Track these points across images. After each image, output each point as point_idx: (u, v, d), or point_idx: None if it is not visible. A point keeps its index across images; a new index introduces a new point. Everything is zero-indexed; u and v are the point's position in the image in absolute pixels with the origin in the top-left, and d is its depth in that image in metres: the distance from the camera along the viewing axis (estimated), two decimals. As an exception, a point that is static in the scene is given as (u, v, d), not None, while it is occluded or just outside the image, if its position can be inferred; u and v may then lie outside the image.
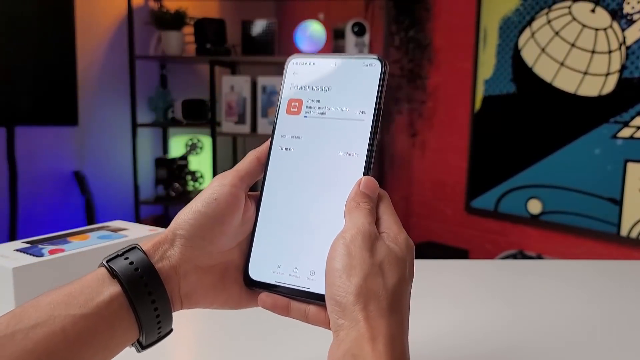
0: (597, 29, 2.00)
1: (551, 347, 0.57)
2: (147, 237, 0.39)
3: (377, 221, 0.38)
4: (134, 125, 2.58)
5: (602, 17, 1.99)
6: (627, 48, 1.94)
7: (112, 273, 0.36)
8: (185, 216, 0.38)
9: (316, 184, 0.41)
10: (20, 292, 0.57)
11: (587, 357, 0.56)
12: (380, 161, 2.67)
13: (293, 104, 0.43)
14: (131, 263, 0.36)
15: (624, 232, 1.98)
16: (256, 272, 0.40)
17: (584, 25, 2.02)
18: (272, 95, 2.53)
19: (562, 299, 0.71)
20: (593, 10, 1.99)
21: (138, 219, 2.59)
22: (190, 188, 2.72)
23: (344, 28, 2.53)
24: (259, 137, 2.60)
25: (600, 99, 2.02)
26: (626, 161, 1.96)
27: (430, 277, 0.78)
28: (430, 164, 2.64)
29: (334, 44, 2.65)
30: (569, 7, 2.05)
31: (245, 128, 2.57)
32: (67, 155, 2.37)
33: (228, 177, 0.40)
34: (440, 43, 2.55)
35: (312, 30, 2.55)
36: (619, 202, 1.98)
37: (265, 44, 2.65)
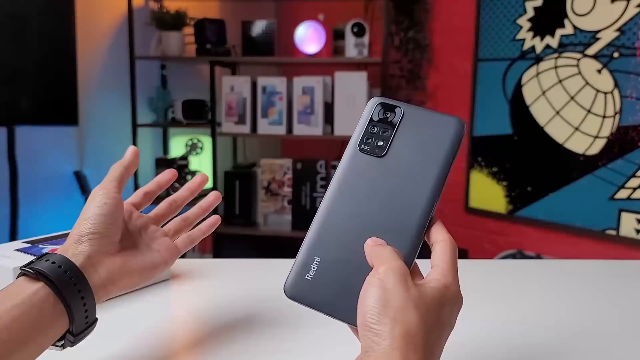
0: (598, 91, 2.01)
1: (551, 346, 0.57)
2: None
3: (432, 267, 0.39)
4: (134, 126, 2.58)
5: (606, 80, 2.00)
6: (621, 117, 1.96)
7: (33, 274, 0.39)
8: (84, 222, 0.44)
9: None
10: (20, 291, 0.57)
11: (587, 356, 0.56)
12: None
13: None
14: (48, 261, 0.40)
15: (623, 232, 1.99)
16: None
17: (587, 82, 2.03)
18: (272, 96, 2.53)
19: (562, 299, 0.71)
20: (599, 71, 2.00)
21: (138, 219, 2.59)
22: (190, 188, 2.72)
23: (344, 28, 2.54)
24: (259, 137, 2.60)
25: (584, 157, 2.06)
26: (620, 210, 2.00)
27: (430, 277, 0.78)
28: (430, 164, 2.63)
29: (334, 44, 2.65)
30: (578, 60, 2.05)
31: (245, 128, 2.57)
32: (67, 155, 2.37)
33: (108, 186, 0.49)
34: (440, 43, 2.55)
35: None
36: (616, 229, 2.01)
37: (265, 44, 2.65)
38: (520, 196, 2.28)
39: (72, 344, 0.40)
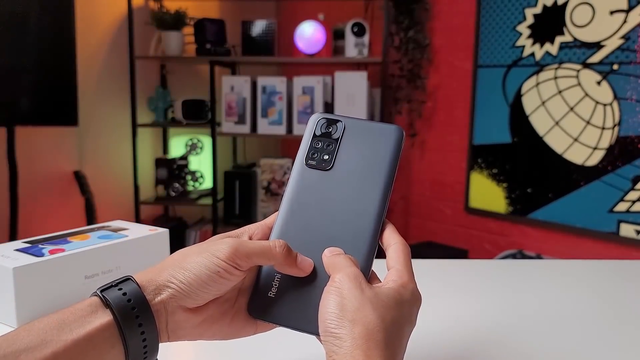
0: (597, 102, 2.01)
1: (551, 346, 0.57)
2: (142, 271, 0.40)
3: (388, 270, 0.40)
4: (134, 125, 2.58)
5: (605, 92, 2.00)
6: (620, 129, 1.97)
7: (105, 302, 0.36)
8: (182, 272, 0.38)
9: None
10: (20, 291, 0.57)
11: (587, 356, 0.56)
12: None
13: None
14: (125, 294, 0.37)
15: (623, 228, 1.99)
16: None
17: (586, 94, 2.04)
18: (272, 96, 2.53)
19: (562, 299, 0.71)
20: (599, 83, 2.00)
21: (138, 219, 2.59)
22: (190, 188, 2.72)
23: (344, 28, 2.53)
24: (258, 137, 2.60)
25: (583, 168, 2.07)
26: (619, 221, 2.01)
27: (430, 277, 0.78)
28: (429, 164, 2.64)
29: (334, 44, 2.65)
30: (578, 72, 2.06)
31: (245, 128, 2.57)
32: (67, 155, 2.37)
33: (239, 257, 0.39)
34: (440, 43, 2.55)
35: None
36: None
37: (265, 44, 2.65)
38: (520, 198, 2.28)
39: None
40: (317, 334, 0.39)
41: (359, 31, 2.50)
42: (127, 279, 0.38)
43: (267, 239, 0.43)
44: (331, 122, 0.45)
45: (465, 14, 2.42)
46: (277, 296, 0.41)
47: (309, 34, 2.57)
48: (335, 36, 2.63)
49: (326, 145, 0.44)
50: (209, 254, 0.39)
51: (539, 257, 2.22)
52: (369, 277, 0.41)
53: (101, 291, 0.37)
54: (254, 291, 0.42)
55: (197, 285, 0.38)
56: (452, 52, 2.51)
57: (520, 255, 2.26)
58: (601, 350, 0.57)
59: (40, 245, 0.62)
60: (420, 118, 2.63)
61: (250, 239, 0.43)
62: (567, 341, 0.59)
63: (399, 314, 0.37)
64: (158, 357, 0.39)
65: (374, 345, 0.34)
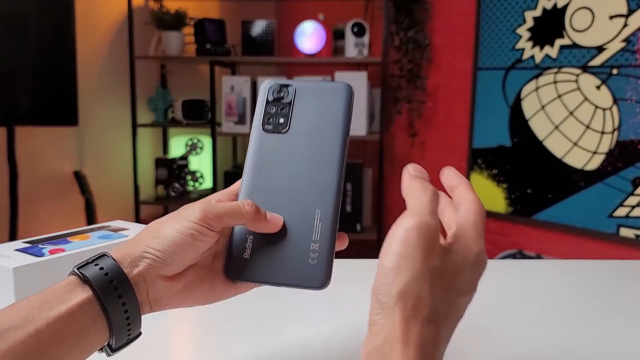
0: (596, 107, 2.02)
1: (551, 346, 0.57)
2: (116, 246, 0.41)
3: (457, 224, 0.37)
4: (134, 125, 2.58)
5: (605, 97, 2.00)
6: (619, 134, 1.97)
7: (84, 279, 0.37)
8: (157, 241, 0.39)
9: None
10: (20, 292, 0.57)
11: (587, 356, 0.56)
12: (380, 161, 2.67)
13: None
14: (101, 269, 0.37)
15: (623, 232, 1.99)
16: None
17: (586, 98, 2.04)
18: (272, 96, 2.53)
19: (562, 299, 0.71)
20: (598, 87, 2.00)
21: (138, 219, 2.59)
22: (190, 188, 2.72)
23: (344, 28, 2.54)
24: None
25: (583, 172, 2.07)
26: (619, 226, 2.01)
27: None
28: (430, 164, 2.64)
29: (334, 44, 2.65)
30: (577, 76, 2.06)
31: (245, 128, 2.57)
32: (67, 155, 2.37)
33: (211, 217, 0.40)
34: (440, 43, 2.55)
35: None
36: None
37: (265, 44, 2.65)
38: (520, 199, 2.28)
39: (109, 355, 0.39)
40: (293, 285, 0.40)
41: (359, 31, 2.50)
42: (102, 255, 0.39)
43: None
44: (282, 87, 0.46)
45: (465, 14, 2.42)
46: (251, 256, 0.42)
47: (309, 34, 2.57)
48: (335, 36, 2.64)
49: (280, 109, 0.46)
50: (181, 219, 0.40)
51: (539, 257, 2.22)
52: (337, 227, 0.42)
53: (78, 269, 0.38)
54: (228, 254, 0.43)
55: (173, 251, 0.39)
56: (452, 52, 2.51)
57: (520, 255, 2.26)
58: (601, 350, 0.57)
59: (40, 245, 0.62)
60: (420, 118, 2.63)
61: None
62: (567, 341, 0.59)
63: (455, 283, 0.35)
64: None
65: (417, 320, 0.33)
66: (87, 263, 0.38)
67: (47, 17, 1.93)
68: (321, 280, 0.41)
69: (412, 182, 0.39)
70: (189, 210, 0.40)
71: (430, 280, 0.33)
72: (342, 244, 0.43)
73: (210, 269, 0.43)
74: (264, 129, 0.45)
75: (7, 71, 1.82)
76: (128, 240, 0.41)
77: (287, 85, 0.46)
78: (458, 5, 2.45)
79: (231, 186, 0.46)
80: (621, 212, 1.98)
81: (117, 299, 0.37)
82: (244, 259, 0.42)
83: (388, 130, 2.74)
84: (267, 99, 0.46)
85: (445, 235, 0.37)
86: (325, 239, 0.41)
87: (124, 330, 0.38)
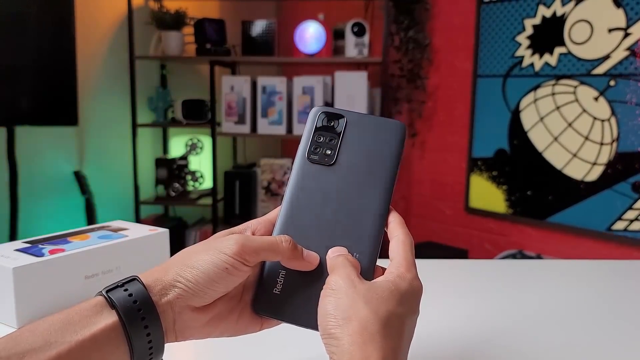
0: (595, 118, 2.02)
1: (551, 346, 0.57)
2: (147, 271, 0.40)
3: (390, 259, 0.40)
4: (134, 125, 2.58)
5: (603, 108, 2.01)
6: (619, 144, 1.98)
7: (111, 303, 0.36)
8: (189, 271, 0.38)
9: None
10: (20, 292, 0.57)
11: (587, 355, 0.56)
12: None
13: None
14: (130, 295, 0.37)
15: (624, 225, 1.99)
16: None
17: (584, 110, 2.04)
18: (272, 96, 2.53)
19: (562, 299, 0.71)
20: (596, 99, 2.01)
21: (138, 219, 2.59)
22: (190, 188, 2.72)
23: (344, 28, 2.53)
24: (258, 137, 2.60)
25: (583, 183, 2.07)
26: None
27: (430, 277, 0.78)
28: (430, 164, 2.64)
29: (334, 44, 2.65)
30: (575, 87, 2.06)
31: (245, 128, 2.57)
32: (67, 155, 2.37)
33: (247, 252, 0.38)
34: (440, 43, 2.55)
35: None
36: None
37: (265, 44, 2.65)
38: (520, 201, 2.28)
39: None
40: None
41: (359, 31, 2.50)
42: (132, 279, 0.38)
43: (270, 234, 0.43)
44: (333, 116, 0.44)
45: (465, 14, 2.42)
46: (282, 292, 0.41)
47: (309, 34, 2.57)
48: (335, 36, 2.63)
49: (328, 139, 0.44)
50: (216, 250, 0.38)
51: (539, 257, 2.22)
52: (374, 272, 0.41)
53: (107, 291, 0.37)
54: (257, 288, 0.42)
55: (205, 283, 0.38)
56: (452, 52, 2.51)
57: (520, 255, 2.26)
58: (602, 350, 0.57)
59: (40, 245, 0.62)
60: (420, 118, 2.63)
61: (253, 234, 0.43)
62: (567, 341, 0.59)
63: (395, 304, 0.37)
64: (163, 357, 0.39)
65: (369, 339, 0.34)
66: (117, 286, 0.37)
67: (47, 16, 1.93)
68: None
69: (329, 261, 0.41)
70: (224, 241, 0.39)
71: (365, 302, 0.36)
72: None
73: (239, 301, 0.42)
74: (309, 159, 0.43)
75: (7, 71, 1.82)
76: (160, 266, 0.40)
77: (338, 115, 0.44)
78: (458, 5, 2.45)
79: (268, 214, 0.45)
80: (619, 225, 1.99)
81: (142, 328, 0.36)
82: (274, 295, 0.41)
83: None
84: (315, 126, 0.44)
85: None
86: None
87: (145, 357, 0.37)
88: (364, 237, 0.41)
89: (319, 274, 0.40)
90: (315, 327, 0.39)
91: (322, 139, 0.44)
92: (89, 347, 0.34)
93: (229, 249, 0.38)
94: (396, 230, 0.42)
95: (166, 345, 0.39)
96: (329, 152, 0.43)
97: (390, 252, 0.41)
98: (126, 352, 0.36)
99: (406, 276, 0.38)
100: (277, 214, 0.44)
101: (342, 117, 0.44)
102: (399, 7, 2.54)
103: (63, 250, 0.61)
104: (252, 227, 0.43)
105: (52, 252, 0.60)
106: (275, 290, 0.41)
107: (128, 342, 0.36)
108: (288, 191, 0.43)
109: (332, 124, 0.44)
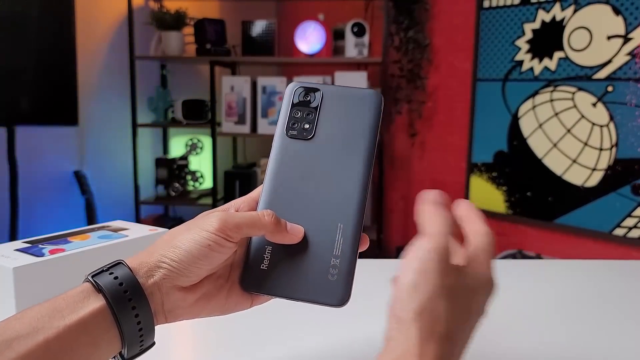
0: (594, 124, 2.02)
1: (551, 346, 0.57)
2: (133, 255, 0.39)
3: (472, 250, 0.37)
4: (134, 125, 2.58)
5: (601, 114, 2.01)
6: (618, 150, 1.98)
7: (97, 288, 0.36)
8: (173, 252, 0.38)
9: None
10: (20, 292, 0.57)
11: (587, 355, 0.56)
12: (380, 161, 2.67)
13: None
14: (116, 278, 0.36)
15: (622, 224, 1.99)
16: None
17: (582, 116, 2.05)
18: (272, 96, 2.53)
19: (562, 299, 0.71)
20: (594, 105, 2.01)
21: (138, 219, 2.59)
22: (190, 188, 2.72)
23: (344, 28, 2.54)
24: (258, 137, 2.60)
25: (583, 189, 2.07)
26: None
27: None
28: (429, 163, 2.64)
29: (334, 44, 2.65)
30: (573, 94, 2.07)
31: (245, 128, 2.57)
32: (67, 155, 2.38)
33: (230, 228, 0.38)
34: (440, 43, 2.55)
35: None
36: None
37: (265, 44, 2.65)
38: (520, 202, 2.28)
39: None
40: (312, 301, 0.39)
41: (359, 31, 2.50)
42: (118, 263, 0.38)
43: (254, 210, 0.43)
44: (309, 91, 0.44)
45: (465, 14, 2.42)
46: (269, 268, 0.41)
47: (309, 34, 2.57)
48: (335, 36, 2.63)
49: (306, 114, 0.44)
50: (198, 229, 0.38)
51: (539, 257, 2.22)
52: (359, 242, 0.41)
53: (92, 276, 0.37)
54: (245, 265, 0.41)
55: (189, 262, 0.38)
56: (452, 52, 2.51)
57: (520, 255, 2.26)
58: (602, 350, 0.57)
59: (40, 245, 0.62)
60: (420, 118, 2.63)
61: (237, 212, 0.43)
62: (567, 341, 0.59)
63: (470, 304, 0.35)
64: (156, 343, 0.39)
65: (434, 338, 0.33)
66: (102, 271, 0.37)
67: (47, 17, 1.93)
68: (340, 297, 0.39)
69: (430, 207, 0.38)
70: (206, 219, 0.39)
71: (446, 299, 0.34)
72: (363, 246, 0.42)
73: (227, 279, 0.42)
74: (287, 135, 0.44)
75: (8, 71, 1.83)
76: (145, 250, 0.40)
77: (314, 89, 0.44)
78: (458, 5, 2.45)
79: (251, 192, 0.44)
80: (619, 232, 1.99)
81: (130, 309, 0.36)
82: (261, 270, 0.41)
83: (388, 130, 2.74)
84: (292, 101, 0.44)
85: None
86: (346, 255, 0.40)
87: (136, 340, 0.37)
88: (348, 207, 0.41)
89: (305, 247, 0.40)
90: (304, 299, 0.39)
91: (299, 113, 0.44)
92: (77, 331, 0.34)
93: (211, 226, 0.38)
94: (482, 226, 0.39)
95: (162, 333, 0.38)
96: (307, 126, 0.43)
97: (474, 248, 0.38)
98: (116, 335, 0.36)
99: (487, 274, 0.37)
100: (260, 191, 0.44)
101: (318, 90, 0.44)
102: (399, 7, 2.54)
103: (63, 250, 0.61)
104: (235, 205, 0.43)
105: (52, 252, 0.60)
106: (263, 266, 0.41)
107: (117, 326, 0.36)
108: (269, 167, 0.43)
109: (308, 98, 0.44)
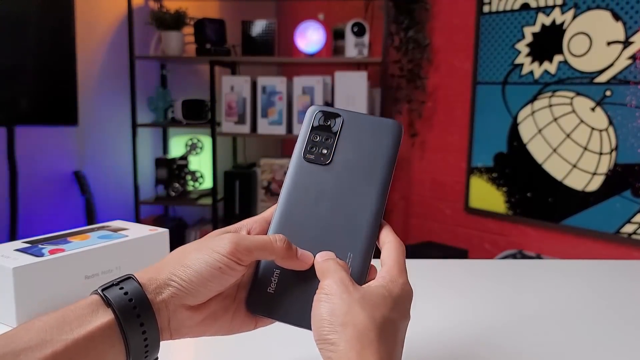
0: (593, 128, 2.03)
1: (551, 345, 0.57)
2: (142, 270, 0.40)
3: (382, 264, 0.40)
4: (134, 125, 2.58)
5: (600, 118, 2.01)
6: (618, 154, 1.98)
7: (107, 302, 0.36)
8: (183, 271, 0.38)
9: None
10: (20, 292, 0.57)
11: (587, 355, 0.56)
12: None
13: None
14: (126, 293, 0.37)
15: (622, 229, 1.99)
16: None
17: (582, 121, 2.05)
18: (272, 96, 2.53)
19: (562, 299, 0.71)
20: (593, 109, 2.01)
21: (138, 219, 2.59)
22: (190, 188, 2.72)
23: (344, 28, 2.53)
24: (259, 137, 2.60)
25: (584, 193, 2.08)
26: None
27: (430, 277, 0.78)
28: (429, 164, 2.64)
29: (334, 44, 2.65)
30: (572, 99, 2.07)
31: (245, 128, 2.57)
32: (67, 155, 2.37)
33: (240, 251, 0.38)
34: (440, 43, 2.55)
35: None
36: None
37: (265, 44, 2.65)
38: (520, 203, 2.28)
39: None
40: None
41: (359, 31, 2.50)
42: (128, 278, 0.38)
43: (265, 233, 0.43)
44: (329, 116, 0.44)
45: (465, 14, 2.42)
46: (276, 292, 0.41)
47: (309, 34, 2.57)
48: (335, 36, 2.63)
49: (324, 139, 0.44)
50: (210, 250, 0.38)
51: (539, 257, 2.22)
52: (368, 273, 0.41)
53: (102, 290, 0.37)
54: (252, 287, 0.41)
55: (199, 282, 0.38)
56: (452, 52, 2.51)
57: (520, 255, 2.26)
58: (602, 350, 0.57)
59: (40, 245, 0.62)
60: (420, 118, 2.63)
61: (249, 233, 0.43)
62: (567, 341, 0.59)
63: (389, 310, 0.37)
64: (159, 355, 0.39)
65: (367, 344, 0.34)
66: (112, 285, 0.37)
67: (47, 17, 1.93)
68: None
69: (318, 265, 0.40)
70: (218, 241, 0.39)
71: (361, 308, 0.36)
72: (371, 277, 0.42)
73: (233, 300, 0.42)
74: (305, 158, 0.43)
75: (7, 71, 1.82)
76: (154, 265, 0.40)
77: (335, 115, 0.44)
78: (458, 5, 2.45)
79: (264, 213, 0.44)
80: (623, 232, 1.99)
81: (138, 325, 0.36)
82: (268, 294, 0.41)
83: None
84: (312, 125, 0.44)
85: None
86: None
87: (141, 356, 0.37)
88: (358, 237, 0.41)
89: (314, 273, 0.40)
90: (309, 326, 0.39)
91: (318, 138, 0.44)
92: (84, 345, 0.34)
93: (223, 249, 0.38)
94: (387, 236, 0.42)
95: (162, 344, 0.39)
96: (325, 151, 0.43)
97: (382, 258, 0.41)
98: (122, 350, 0.36)
99: (398, 281, 0.39)
100: (272, 212, 0.43)
101: (339, 116, 0.44)
102: (399, 7, 2.54)
103: (63, 250, 0.61)
104: (247, 225, 0.43)
105: (52, 252, 0.60)
106: (269, 289, 0.41)
107: (124, 341, 0.36)
108: (284, 190, 0.43)
109: (328, 123, 0.44)
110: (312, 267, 0.41)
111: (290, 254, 0.40)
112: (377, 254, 0.43)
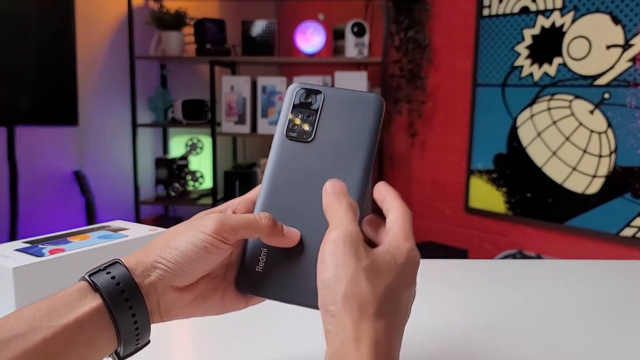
0: (592, 131, 2.03)
1: (551, 345, 0.57)
2: (130, 254, 0.39)
3: (387, 228, 0.39)
4: (134, 125, 2.58)
5: (599, 121, 2.01)
6: (617, 156, 1.98)
7: (94, 287, 0.36)
8: (169, 252, 0.38)
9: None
10: (20, 292, 0.57)
11: (587, 355, 0.56)
12: (380, 161, 2.67)
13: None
14: (113, 277, 0.37)
15: (623, 232, 1.99)
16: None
17: (580, 123, 2.05)
18: (272, 96, 2.53)
19: (562, 299, 0.71)
20: (592, 112, 2.01)
21: (138, 219, 2.59)
22: (190, 188, 2.72)
23: (344, 28, 2.54)
24: (258, 137, 2.60)
25: (584, 196, 2.08)
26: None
27: (430, 277, 0.78)
28: (429, 163, 2.64)
29: (334, 44, 2.65)
30: (570, 102, 2.07)
31: (245, 128, 2.57)
32: (67, 155, 2.37)
33: (226, 230, 0.38)
34: (440, 43, 2.55)
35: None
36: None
37: (265, 44, 2.65)
38: (520, 203, 2.28)
39: None
40: (305, 305, 0.39)
41: (359, 31, 2.50)
42: (114, 263, 0.38)
43: (251, 212, 0.43)
44: (310, 92, 0.44)
45: (465, 14, 2.42)
46: (264, 270, 0.41)
47: (309, 34, 2.57)
48: (335, 36, 2.63)
49: (306, 116, 0.43)
50: (195, 230, 0.38)
51: (539, 257, 2.22)
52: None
53: (89, 275, 0.37)
54: (240, 266, 0.42)
55: (185, 263, 0.38)
56: (452, 52, 2.51)
57: (520, 255, 2.26)
58: (602, 350, 0.57)
59: (40, 245, 0.62)
60: (420, 118, 2.63)
61: (234, 213, 0.43)
62: (567, 340, 0.59)
63: (393, 279, 0.36)
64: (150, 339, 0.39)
65: (366, 317, 0.34)
66: (99, 270, 0.37)
67: (48, 17, 1.93)
68: None
69: (328, 198, 0.39)
70: (203, 220, 0.39)
71: (367, 279, 0.35)
72: None
73: (222, 280, 0.42)
74: (287, 136, 0.43)
75: (7, 71, 1.82)
76: (141, 249, 0.40)
77: (315, 91, 0.44)
78: (458, 5, 2.45)
79: (248, 193, 0.44)
80: (624, 233, 1.99)
81: (127, 309, 0.36)
82: (256, 272, 0.41)
83: (388, 130, 2.74)
84: (293, 103, 0.44)
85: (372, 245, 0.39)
86: None
87: (132, 339, 0.37)
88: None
89: (301, 250, 0.40)
90: (298, 302, 0.39)
91: (300, 115, 0.44)
92: (74, 331, 0.34)
93: (208, 228, 0.38)
94: (393, 202, 0.41)
95: (160, 333, 0.38)
96: (307, 128, 0.43)
97: (388, 224, 0.39)
98: (112, 335, 0.36)
99: (404, 247, 0.37)
100: (257, 192, 0.43)
101: (320, 92, 0.44)
102: (399, 7, 2.54)
103: (63, 250, 0.61)
104: (232, 206, 0.43)
105: (52, 252, 0.60)
106: (258, 267, 0.41)
107: (114, 325, 0.36)
108: (267, 169, 0.43)
109: (309, 100, 0.44)
110: (299, 244, 0.41)
111: (275, 231, 0.40)
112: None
